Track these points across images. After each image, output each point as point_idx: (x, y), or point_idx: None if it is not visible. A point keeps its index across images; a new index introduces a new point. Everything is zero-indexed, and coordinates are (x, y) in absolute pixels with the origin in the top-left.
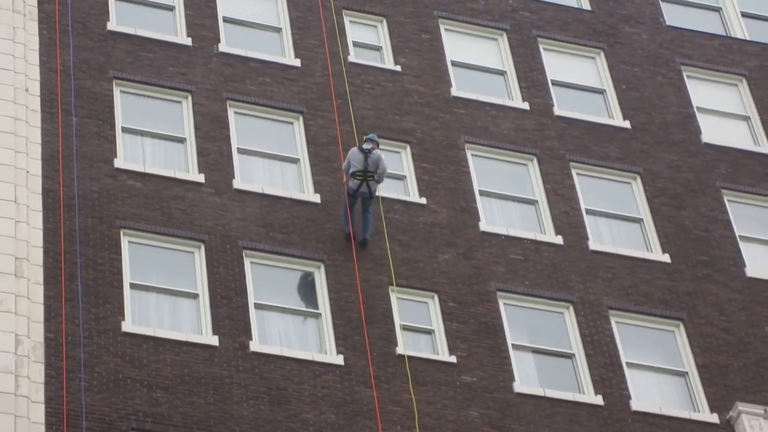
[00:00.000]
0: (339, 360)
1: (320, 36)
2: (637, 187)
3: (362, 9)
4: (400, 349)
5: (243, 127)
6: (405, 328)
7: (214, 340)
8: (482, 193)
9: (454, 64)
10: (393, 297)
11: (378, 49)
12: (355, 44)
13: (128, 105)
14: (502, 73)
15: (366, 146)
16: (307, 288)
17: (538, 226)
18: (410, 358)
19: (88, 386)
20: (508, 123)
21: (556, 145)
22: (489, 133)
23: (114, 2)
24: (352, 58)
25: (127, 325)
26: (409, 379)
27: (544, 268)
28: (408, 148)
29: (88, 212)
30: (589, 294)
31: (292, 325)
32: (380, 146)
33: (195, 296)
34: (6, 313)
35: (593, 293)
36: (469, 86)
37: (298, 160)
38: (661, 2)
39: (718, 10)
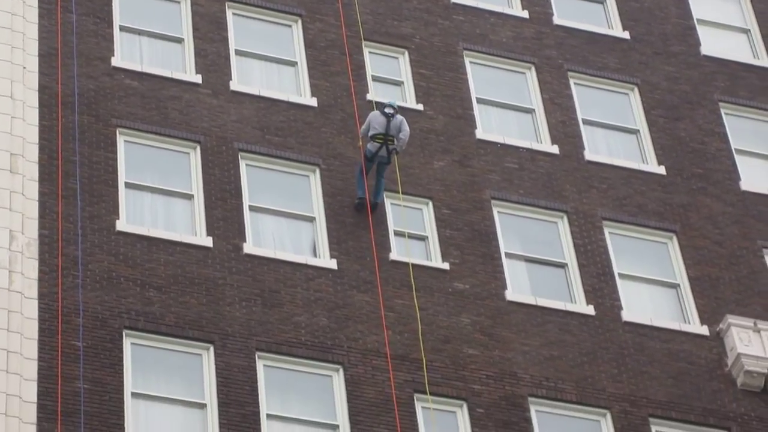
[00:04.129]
0: (332, 264)
1: None
2: (635, 98)
3: None
4: (394, 255)
5: (241, 28)
6: (398, 233)
7: (208, 241)
8: (479, 100)
9: None
10: (387, 203)
11: None
12: None
13: (126, 3)
14: None
15: (388, 110)
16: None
17: (534, 135)
18: (404, 264)
19: (81, 284)
20: (506, 31)
21: (554, 54)
22: (487, 41)
23: None
24: None
25: (122, 224)
26: (413, 287)
27: (539, 177)
28: (406, 53)
29: (84, 110)
30: (584, 204)
31: (286, 228)
32: (379, 51)
33: (190, 197)
34: (0, 208)
35: (587, 203)
36: None
37: (296, 63)
38: None
39: None
